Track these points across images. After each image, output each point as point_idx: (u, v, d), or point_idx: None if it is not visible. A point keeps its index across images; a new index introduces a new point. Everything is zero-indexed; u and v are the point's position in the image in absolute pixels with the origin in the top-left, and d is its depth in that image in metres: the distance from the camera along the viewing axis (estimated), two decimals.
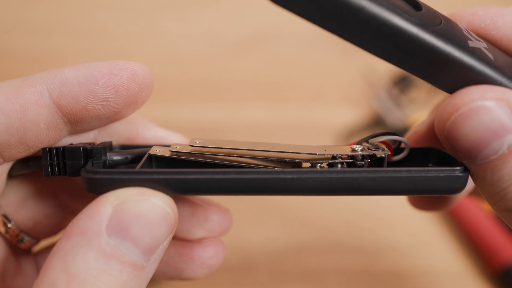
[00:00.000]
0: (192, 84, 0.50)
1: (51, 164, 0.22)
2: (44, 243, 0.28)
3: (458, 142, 0.20)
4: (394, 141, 0.24)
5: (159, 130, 0.26)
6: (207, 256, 0.26)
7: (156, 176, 0.20)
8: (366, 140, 0.24)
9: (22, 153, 0.22)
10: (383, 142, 0.24)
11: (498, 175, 0.20)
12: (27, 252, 0.27)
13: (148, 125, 0.26)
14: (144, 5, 0.51)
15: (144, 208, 0.19)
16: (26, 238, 0.26)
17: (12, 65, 0.48)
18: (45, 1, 0.49)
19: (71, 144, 0.23)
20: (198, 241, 0.26)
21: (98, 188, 0.20)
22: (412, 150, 0.25)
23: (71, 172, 0.22)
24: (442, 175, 0.21)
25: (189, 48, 0.51)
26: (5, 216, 0.25)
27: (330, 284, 0.39)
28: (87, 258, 0.18)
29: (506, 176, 0.20)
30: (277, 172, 0.20)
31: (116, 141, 0.26)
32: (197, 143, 0.23)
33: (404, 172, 0.21)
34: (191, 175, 0.20)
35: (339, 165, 0.23)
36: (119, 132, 0.26)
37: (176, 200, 0.21)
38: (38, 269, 0.27)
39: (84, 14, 0.50)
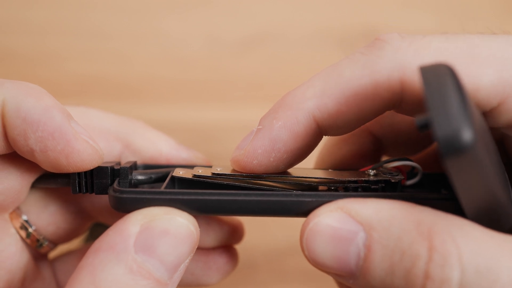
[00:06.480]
0: (192, 84, 0.50)
1: (79, 183, 0.23)
2: (59, 249, 0.29)
3: (326, 267, 0.20)
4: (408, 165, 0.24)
5: (182, 152, 0.27)
6: (222, 262, 0.27)
7: (180, 197, 0.21)
8: (380, 165, 0.24)
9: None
10: (397, 167, 0.24)
11: (371, 280, 0.19)
12: (44, 257, 0.28)
13: (171, 145, 0.27)
14: (143, 5, 0.51)
15: (170, 226, 0.20)
16: (46, 243, 0.26)
17: (9, 66, 0.48)
18: (42, 1, 0.49)
19: None
20: (213, 248, 0.27)
21: (125, 207, 0.21)
22: (426, 175, 0.25)
23: (98, 191, 0.23)
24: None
25: (189, 49, 0.51)
26: (27, 221, 0.25)
27: (330, 284, 0.39)
28: (115, 273, 0.19)
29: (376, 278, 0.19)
30: (296, 195, 0.21)
31: (140, 160, 0.27)
32: (218, 170, 0.24)
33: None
34: (214, 196, 0.21)
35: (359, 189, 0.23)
36: (144, 152, 0.27)
37: None
38: (54, 274, 0.27)
39: (82, 15, 0.50)
